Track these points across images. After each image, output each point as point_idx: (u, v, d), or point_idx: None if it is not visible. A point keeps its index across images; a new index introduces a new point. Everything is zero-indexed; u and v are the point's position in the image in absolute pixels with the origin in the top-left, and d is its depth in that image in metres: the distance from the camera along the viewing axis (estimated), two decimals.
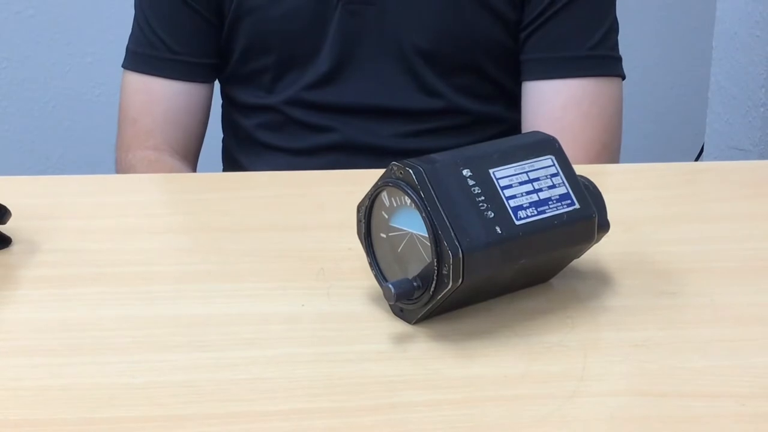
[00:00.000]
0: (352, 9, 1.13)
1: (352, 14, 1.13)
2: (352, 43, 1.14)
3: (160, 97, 1.18)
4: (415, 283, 0.65)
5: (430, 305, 0.65)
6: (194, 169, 1.22)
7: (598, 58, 1.15)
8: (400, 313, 0.68)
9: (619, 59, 1.17)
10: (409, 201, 0.65)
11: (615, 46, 1.17)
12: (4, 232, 0.78)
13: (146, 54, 1.18)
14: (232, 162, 1.25)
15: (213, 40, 1.18)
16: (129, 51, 1.21)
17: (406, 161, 0.66)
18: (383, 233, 0.68)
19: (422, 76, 1.15)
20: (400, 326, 0.67)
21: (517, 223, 0.65)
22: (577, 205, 0.68)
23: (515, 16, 1.14)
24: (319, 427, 0.57)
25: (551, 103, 1.14)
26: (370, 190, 0.68)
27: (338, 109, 1.16)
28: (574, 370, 0.63)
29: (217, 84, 1.24)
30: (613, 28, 1.17)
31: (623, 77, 1.18)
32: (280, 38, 1.15)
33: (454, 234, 0.63)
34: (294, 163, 1.17)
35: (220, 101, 1.25)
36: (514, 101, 1.18)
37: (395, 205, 0.67)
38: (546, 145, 0.69)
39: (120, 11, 1.61)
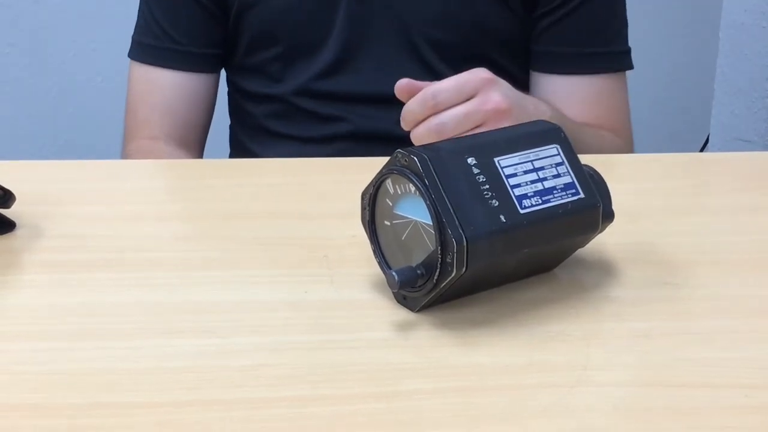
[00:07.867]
0: None
1: (359, 2, 1.13)
2: (360, 32, 1.14)
3: (160, 87, 1.18)
4: (418, 271, 0.65)
5: (434, 293, 0.65)
6: (198, 157, 1.22)
7: (614, 54, 1.17)
8: (403, 300, 0.68)
9: (629, 51, 1.19)
10: (413, 189, 0.65)
11: (627, 38, 1.18)
12: (9, 216, 0.78)
13: (149, 44, 1.18)
14: (240, 148, 1.24)
15: (217, 31, 1.18)
16: (134, 41, 1.20)
17: (410, 149, 0.66)
18: (387, 221, 0.68)
19: (431, 64, 1.14)
20: (403, 314, 0.67)
21: (522, 211, 0.65)
22: (581, 195, 0.68)
23: (525, 7, 1.14)
24: (322, 414, 0.57)
25: (574, 97, 1.14)
26: (374, 178, 0.68)
27: (347, 98, 1.15)
28: (578, 360, 0.62)
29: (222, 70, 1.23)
30: (626, 19, 1.18)
31: (632, 68, 1.19)
32: (287, 28, 1.14)
33: (458, 222, 0.63)
34: (303, 151, 1.16)
35: (226, 88, 1.25)
36: (522, 89, 1.18)
37: (399, 192, 0.67)
38: (551, 134, 0.69)
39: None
